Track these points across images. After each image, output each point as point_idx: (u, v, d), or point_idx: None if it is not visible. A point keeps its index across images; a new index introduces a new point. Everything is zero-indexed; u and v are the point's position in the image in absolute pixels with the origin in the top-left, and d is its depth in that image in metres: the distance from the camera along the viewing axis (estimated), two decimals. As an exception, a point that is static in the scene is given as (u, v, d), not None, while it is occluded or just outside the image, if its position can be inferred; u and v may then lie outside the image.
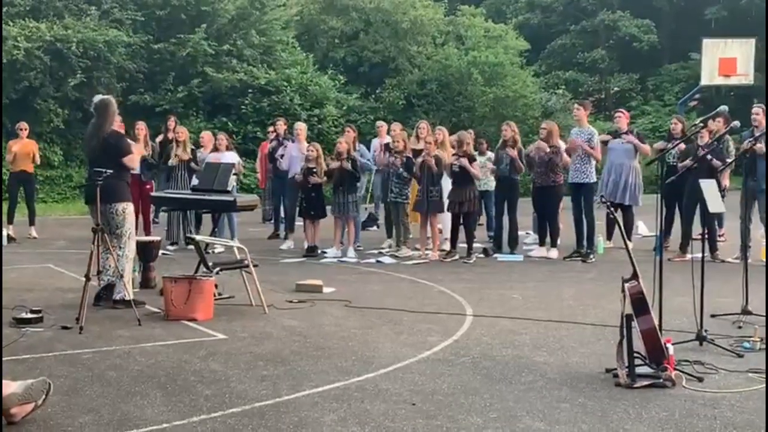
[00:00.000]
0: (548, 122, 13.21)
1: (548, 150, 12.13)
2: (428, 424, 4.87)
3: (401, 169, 12.57)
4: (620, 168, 12.62)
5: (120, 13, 25.97)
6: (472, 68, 29.99)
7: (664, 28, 38.98)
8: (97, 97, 9.01)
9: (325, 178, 12.68)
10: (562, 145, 12.56)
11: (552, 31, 40.41)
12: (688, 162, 11.52)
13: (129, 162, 8.69)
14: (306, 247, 12.79)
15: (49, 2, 25.16)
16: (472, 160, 12.25)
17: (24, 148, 15.03)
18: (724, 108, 7.18)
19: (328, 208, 12.96)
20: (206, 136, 14.55)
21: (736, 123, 7.53)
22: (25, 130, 15.26)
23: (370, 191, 17.09)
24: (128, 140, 9.25)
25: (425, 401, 5.32)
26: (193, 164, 13.41)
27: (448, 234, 12.78)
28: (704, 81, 24.94)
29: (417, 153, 12.61)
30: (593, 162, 12.35)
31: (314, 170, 12.59)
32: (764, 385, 5.56)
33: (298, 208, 13.20)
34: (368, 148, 15.54)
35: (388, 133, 15.34)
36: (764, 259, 11.05)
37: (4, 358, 6.24)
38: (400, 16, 31.51)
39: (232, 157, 13.31)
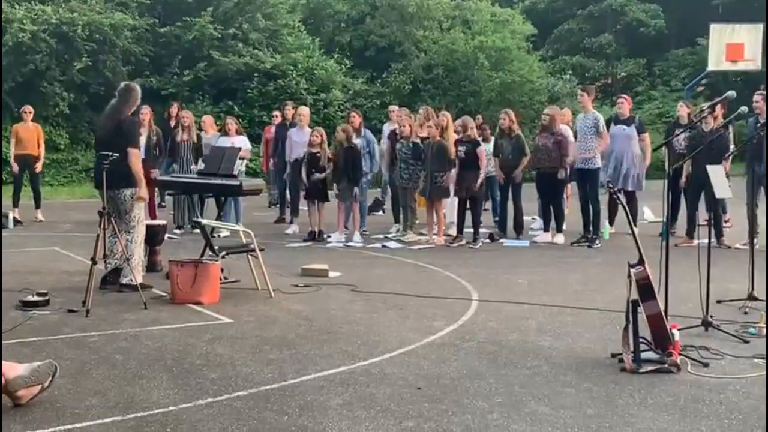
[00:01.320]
0: (551, 108, 13.17)
1: (566, 173, 12.18)
2: (434, 408, 4.88)
3: (408, 154, 12.55)
4: (621, 154, 12.61)
5: (126, -5, 25.97)
6: (479, 53, 29.92)
7: (671, 13, 38.82)
8: (123, 83, 9.04)
9: (330, 165, 12.64)
10: (569, 132, 12.53)
11: (559, 15, 40.29)
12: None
13: (131, 155, 8.53)
14: (311, 231, 12.77)
15: (55, -15, 25.17)
16: (476, 145, 12.22)
17: (28, 132, 15.03)
18: (731, 93, 7.12)
19: (332, 192, 12.94)
20: (207, 119, 14.55)
21: (744, 108, 7.48)
22: (30, 113, 15.26)
23: (379, 176, 17.04)
24: (140, 133, 9.15)
25: (431, 385, 5.33)
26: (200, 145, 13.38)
27: (454, 219, 12.77)
28: (711, 66, 24.82)
29: (424, 139, 12.60)
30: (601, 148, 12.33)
31: (318, 155, 12.56)
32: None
33: (302, 193, 13.19)
34: (377, 134, 15.48)
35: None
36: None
37: (11, 341, 6.28)
38: (407, 1, 31.44)
39: (242, 141, 13.30)
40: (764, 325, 6.67)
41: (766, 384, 5.28)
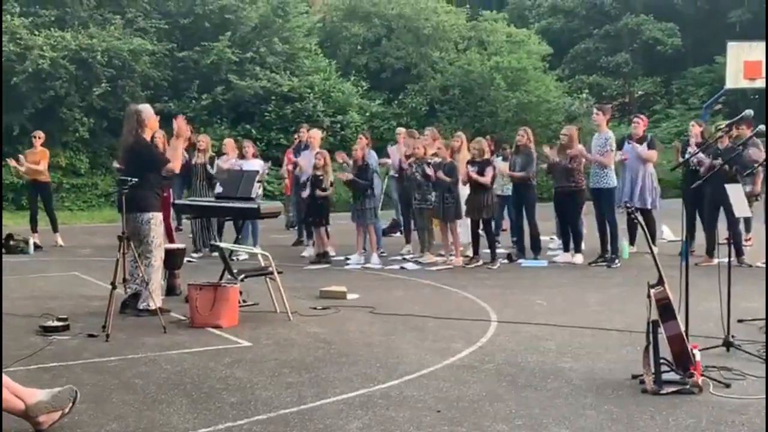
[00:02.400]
0: (569, 128, 13.11)
1: (556, 158, 12.11)
2: (453, 431, 4.86)
3: (417, 174, 12.58)
4: (635, 172, 12.59)
5: (144, 21, 26.18)
6: (495, 73, 29.97)
7: (688, 31, 38.76)
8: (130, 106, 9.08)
9: (331, 189, 12.71)
10: (584, 150, 12.51)
11: (575, 35, 40.31)
12: (704, 169, 11.42)
13: (170, 169, 8.74)
14: (318, 253, 12.78)
15: (74, 12, 25.42)
16: (486, 165, 12.21)
17: (34, 156, 15.06)
18: (749, 112, 7.09)
19: (340, 214, 12.96)
20: (229, 143, 14.61)
21: (762, 127, 7.45)
22: (39, 138, 15.25)
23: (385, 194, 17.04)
24: (156, 148, 9.18)
25: (450, 408, 5.31)
26: (208, 167, 13.40)
27: (469, 239, 12.75)
28: (729, 84, 24.81)
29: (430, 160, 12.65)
30: (613, 166, 12.29)
31: (321, 177, 12.61)
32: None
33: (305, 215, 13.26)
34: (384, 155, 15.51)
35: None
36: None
37: (31, 366, 6.30)
38: (422, 22, 31.56)
39: (257, 164, 13.35)
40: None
41: (766, 385, 5.24)
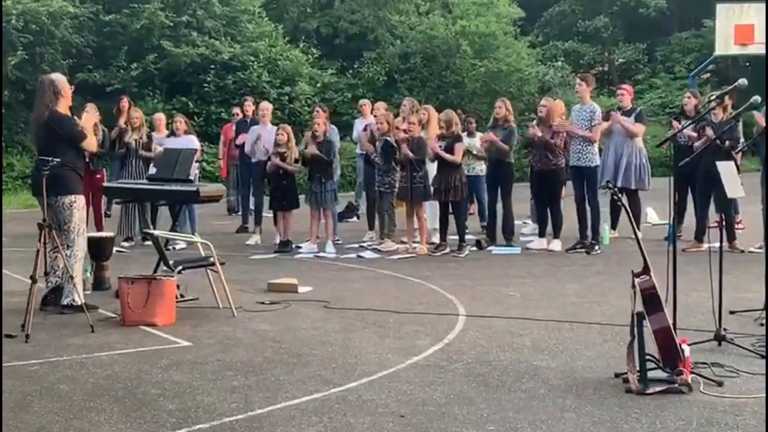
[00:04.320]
0: (548, 99, 13.19)
1: (540, 135, 12.16)
2: (419, 438, 4.87)
3: (374, 156, 12.57)
4: (621, 148, 12.67)
5: (65, -20, 25.83)
6: (461, 39, 29.97)
7: (673, -8, 39.08)
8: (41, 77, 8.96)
9: (299, 166, 12.65)
10: (568, 124, 12.56)
11: (549, -4, 40.45)
12: (699, 143, 11.56)
13: (86, 146, 8.72)
14: (278, 241, 12.75)
15: (-17, -30, 25.01)
16: (456, 140, 12.23)
17: None
18: (743, 81, 7.15)
19: (302, 197, 12.93)
20: (161, 117, 14.50)
21: (756, 98, 7.53)
22: None
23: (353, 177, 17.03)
24: (75, 120, 9.07)
25: (415, 413, 5.32)
26: (142, 152, 13.30)
27: (436, 225, 12.79)
28: (718, 51, 25.05)
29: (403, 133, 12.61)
30: (596, 143, 12.37)
31: (285, 155, 12.55)
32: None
33: (267, 198, 13.16)
34: (348, 130, 15.50)
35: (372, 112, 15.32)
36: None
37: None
38: (380, -18, 31.50)
39: (190, 142, 13.23)
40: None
41: (766, 387, 5.32)
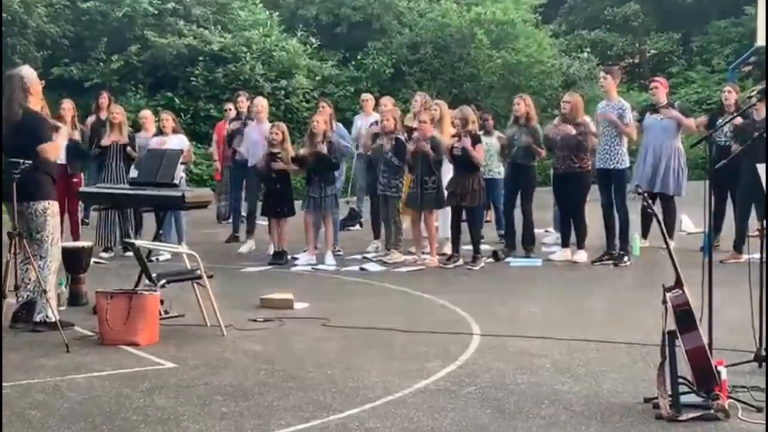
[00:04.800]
0: (572, 94, 13.16)
1: (573, 132, 12.11)
2: (426, 470, 4.89)
3: (389, 155, 12.55)
4: (659, 150, 12.66)
5: (38, -36, 25.89)
6: (476, 27, 29.96)
7: (711, -25, 39.08)
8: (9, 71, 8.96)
9: (294, 167, 12.65)
10: (590, 123, 12.55)
11: (573, -20, 40.46)
12: (735, 147, 11.53)
13: (48, 152, 8.57)
14: (271, 252, 12.76)
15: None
16: (476, 141, 12.23)
17: None
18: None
19: (298, 203, 12.93)
20: (148, 115, 14.49)
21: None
22: None
23: (351, 181, 17.05)
24: (50, 123, 9.13)
25: (422, 442, 5.33)
26: (129, 149, 13.33)
27: (448, 233, 12.78)
28: (760, 41, 24.98)
29: (412, 133, 12.60)
30: (625, 143, 12.36)
31: (279, 156, 12.56)
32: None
33: (260, 204, 13.17)
34: (348, 127, 15.51)
35: (375, 108, 15.33)
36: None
37: None
38: (386, -36, 31.49)
39: (179, 141, 13.27)
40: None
41: (766, 398, 5.34)
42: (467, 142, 12.04)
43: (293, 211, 12.77)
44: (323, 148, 12.37)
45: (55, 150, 8.90)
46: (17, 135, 8.49)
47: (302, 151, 12.56)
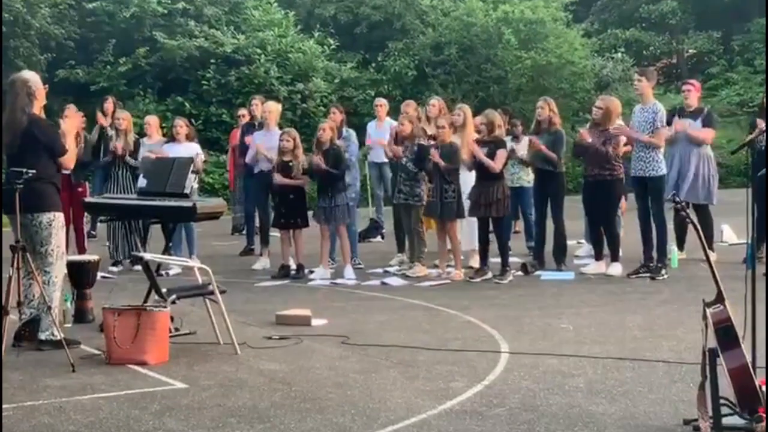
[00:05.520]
0: (604, 98, 13.13)
1: (589, 140, 12.09)
2: (452, 497, 4.88)
3: (405, 161, 12.55)
4: (686, 156, 12.64)
5: (42, -36, 26.06)
6: (503, 27, 29.98)
7: (753, -30, 38.97)
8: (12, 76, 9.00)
9: (299, 180, 12.63)
10: (622, 128, 12.52)
11: (607, -24, 40.40)
12: None
13: (68, 162, 8.74)
14: (283, 265, 12.76)
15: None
16: (498, 146, 12.20)
17: None
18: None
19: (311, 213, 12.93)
20: (152, 121, 14.51)
21: None
22: None
23: (370, 190, 17.04)
24: (57, 130, 9.13)
25: (448, 467, 5.33)
26: (129, 159, 13.34)
27: (474, 245, 12.76)
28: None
29: (433, 140, 12.60)
30: (662, 149, 12.32)
31: (290, 165, 12.55)
32: None
33: (273, 215, 13.17)
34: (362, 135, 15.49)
35: (391, 114, 15.31)
36: None
37: None
38: (407, -40, 31.54)
39: (192, 149, 13.30)
40: None
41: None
42: (476, 148, 12.04)
43: (307, 222, 12.75)
44: (320, 161, 12.32)
45: (72, 158, 8.96)
46: (22, 142, 8.53)
47: (315, 160, 12.53)
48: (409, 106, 13.80)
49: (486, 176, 12.16)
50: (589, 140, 12.10)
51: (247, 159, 13.90)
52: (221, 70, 26.71)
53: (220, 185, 22.60)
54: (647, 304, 10.45)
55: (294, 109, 26.20)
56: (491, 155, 12.07)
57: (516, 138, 13.84)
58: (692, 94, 13.04)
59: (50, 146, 8.60)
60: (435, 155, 12.12)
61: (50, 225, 8.53)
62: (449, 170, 12.17)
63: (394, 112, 15.17)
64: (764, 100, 11.51)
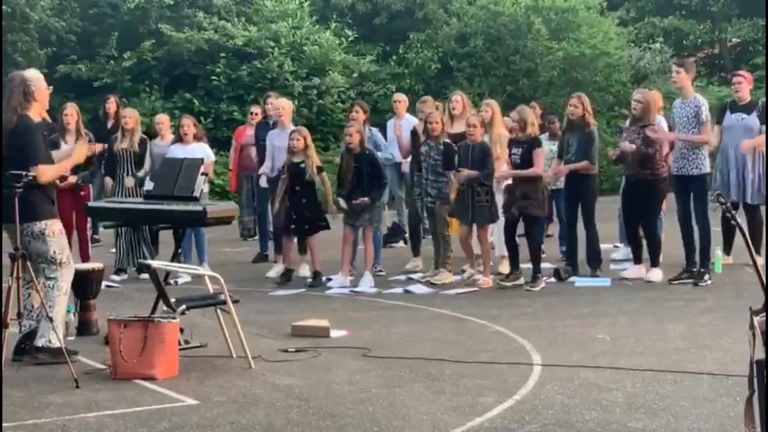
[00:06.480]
0: (643, 92, 13.06)
1: (635, 149, 12.04)
2: None
3: (433, 162, 12.51)
4: (740, 153, 12.58)
5: (41, -47, 26.16)
6: (533, 16, 29.93)
7: (801, -48, 38.82)
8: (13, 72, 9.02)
9: (324, 176, 12.66)
10: (664, 124, 12.49)
11: (644, -39, 40.33)
12: None
13: (43, 175, 8.51)
14: (299, 274, 12.76)
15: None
16: (534, 145, 12.17)
17: None
18: None
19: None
20: (164, 120, 14.51)
21: None
22: None
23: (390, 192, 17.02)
24: (42, 137, 8.97)
25: (477, 488, 5.33)
26: (132, 178, 13.35)
27: (505, 251, 12.74)
28: None
29: (458, 139, 12.58)
30: (706, 146, 12.28)
31: (301, 165, 12.56)
32: None
33: (284, 219, 13.19)
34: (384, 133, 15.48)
35: (410, 110, 15.27)
36: None
37: None
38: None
39: (201, 150, 13.31)
40: None
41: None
42: (505, 168, 12.11)
43: (319, 225, 12.71)
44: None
45: (51, 174, 8.77)
46: (11, 145, 8.51)
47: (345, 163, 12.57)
48: (426, 104, 13.80)
49: (524, 178, 12.14)
50: (633, 148, 12.03)
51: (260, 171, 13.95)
52: (232, 65, 26.72)
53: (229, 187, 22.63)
54: (690, 313, 10.43)
55: (310, 105, 26.18)
56: (526, 156, 12.04)
57: (554, 136, 13.79)
58: (744, 86, 12.97)
59: (27, 152, 8.52)
60: (467, 173, 12.10)
61: (43, 234, 8.53)
62: (486, 175, 12.13)
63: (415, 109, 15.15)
64: (764, 100, 11.49)
